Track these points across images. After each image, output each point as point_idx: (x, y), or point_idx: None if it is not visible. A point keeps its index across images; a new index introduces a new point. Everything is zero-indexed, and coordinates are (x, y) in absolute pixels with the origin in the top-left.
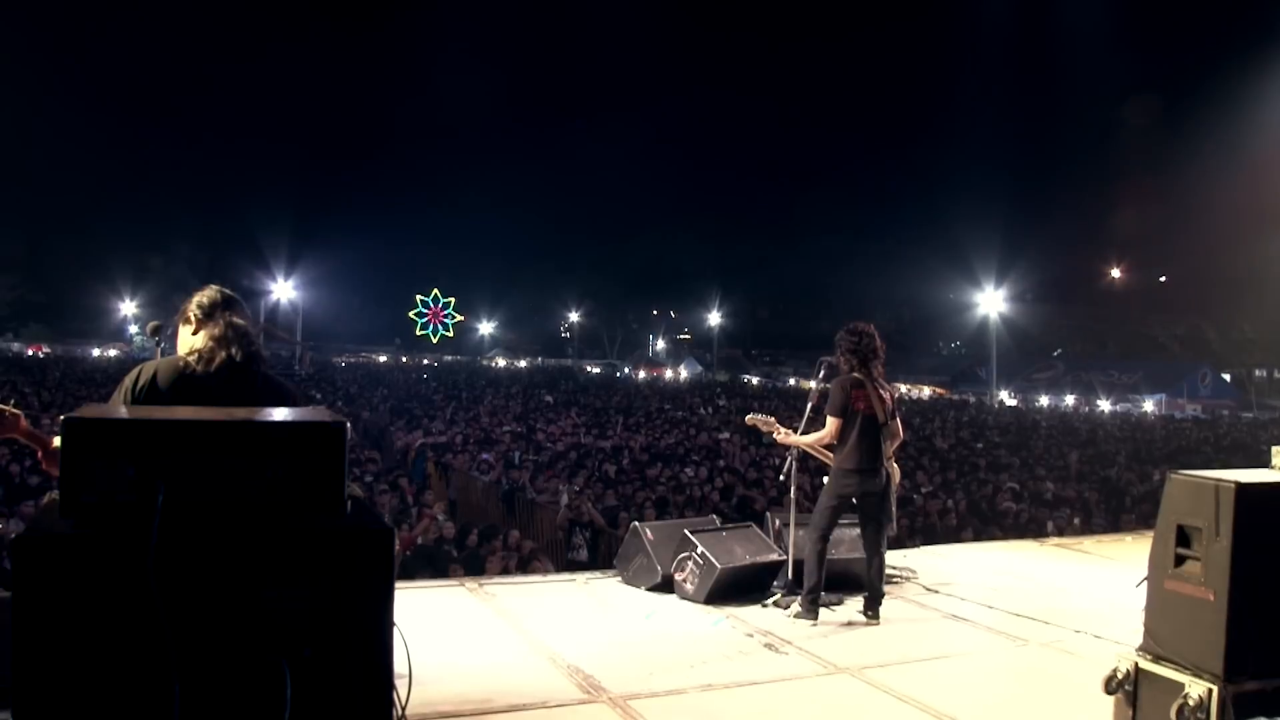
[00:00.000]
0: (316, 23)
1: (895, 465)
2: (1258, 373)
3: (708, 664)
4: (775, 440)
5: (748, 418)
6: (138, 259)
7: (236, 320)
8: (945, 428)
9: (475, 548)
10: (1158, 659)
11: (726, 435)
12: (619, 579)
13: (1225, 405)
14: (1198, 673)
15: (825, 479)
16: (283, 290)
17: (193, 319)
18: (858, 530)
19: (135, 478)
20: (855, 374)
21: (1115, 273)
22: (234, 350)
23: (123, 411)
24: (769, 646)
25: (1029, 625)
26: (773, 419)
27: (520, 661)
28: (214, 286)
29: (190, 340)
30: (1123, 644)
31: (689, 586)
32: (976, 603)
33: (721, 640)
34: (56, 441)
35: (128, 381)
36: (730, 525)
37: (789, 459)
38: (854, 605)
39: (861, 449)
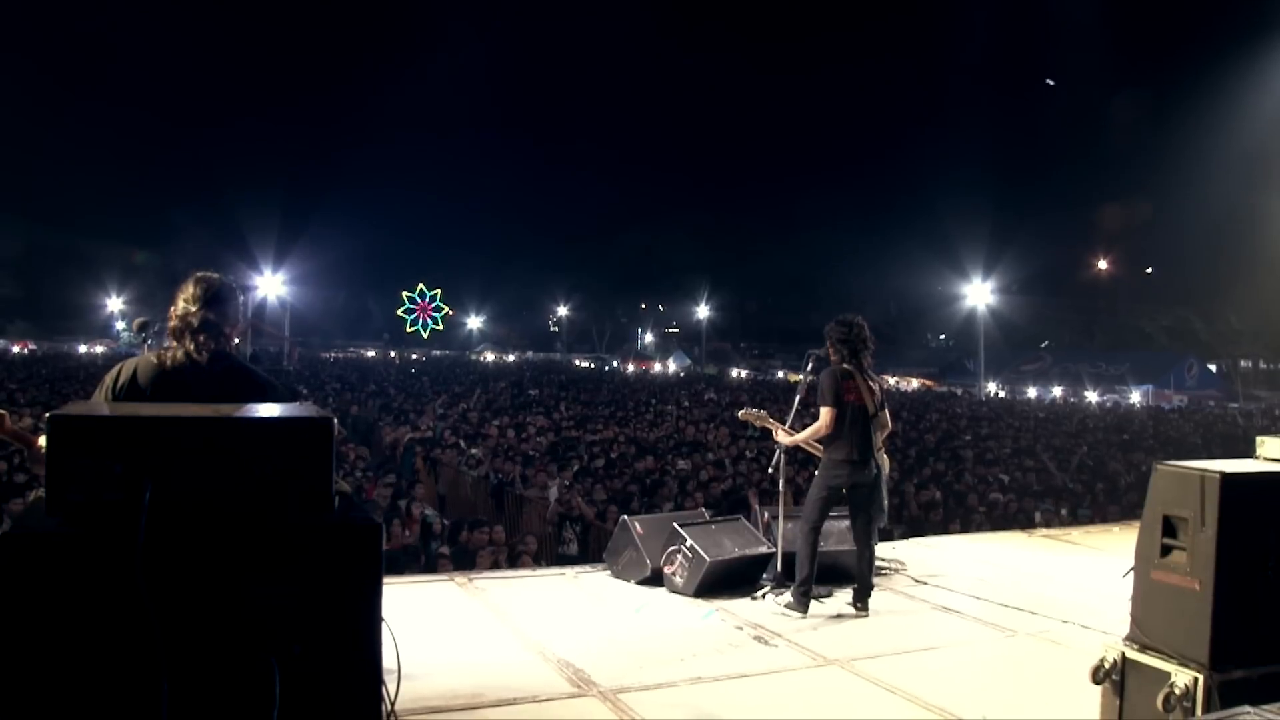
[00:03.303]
0: (306, 19)
1: (885, 456)
2: (1243, 363)
3: (698, 657)
4: (773, 435)
5: (740, 413)
6: (124, 255)
7: (194, 313)
8: (933, 419)
9: (464, 542)
10: (1144, 648)
11: (714, 428)
12: (609, 573)
13: (1211, 396)
14: (1184, 662)
15: (816, 471)
16: (270, 286)
17: (174, 314)
18: (847, 522)
19: (122, 475)
20: (845, 365)
21: (1102, 264)
22: (190, 345)
23: (107, 409)
24: (759, 639)
25: (1017, 616)
26: (764, 413)
27: (510, 656)
28: (195, 276)
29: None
30: (1110, 634)
31: (679, 580)
32: (965, 594)
33: (711, 633)
34: (42, 441)
35: (108, 379)
36: (719, 518)
37: (778, 452)
38: (843, 597)
39: (852, 440)
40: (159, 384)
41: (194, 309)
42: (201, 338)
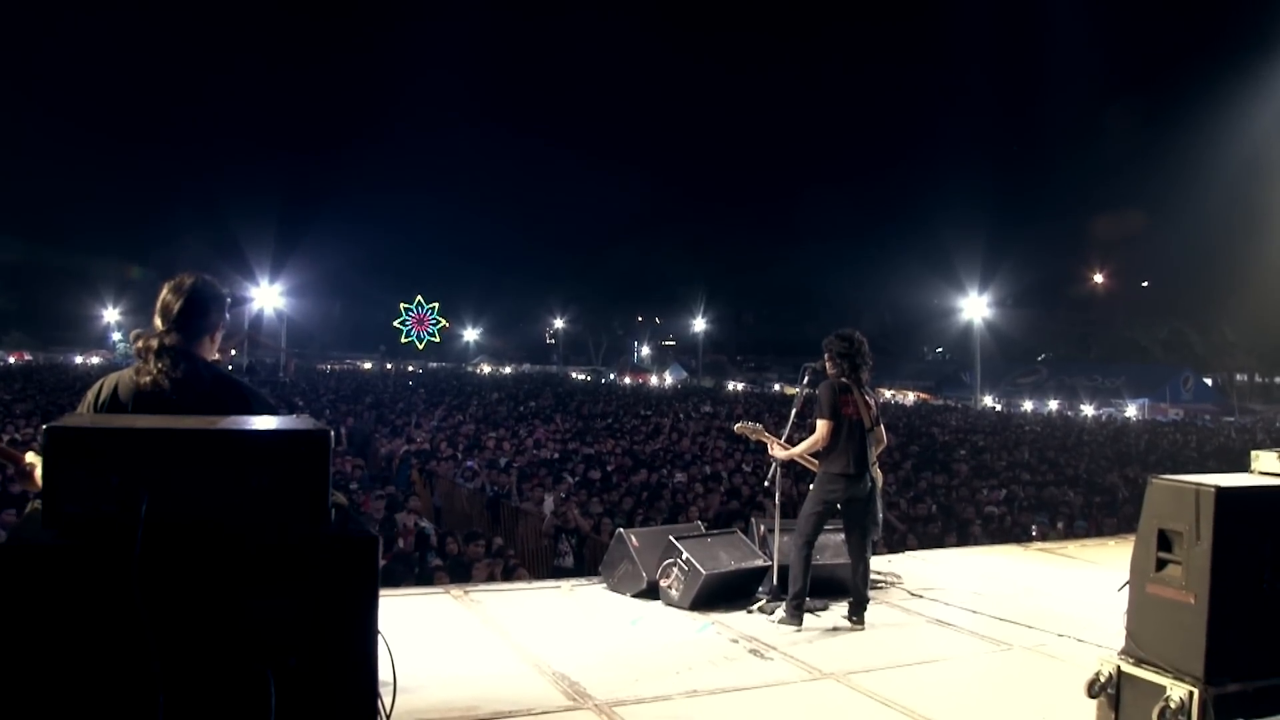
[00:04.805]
0: (301, 32)
1: (879, 471)
2: (1239, 376)
3: (693, 670)
4: (768, 450)
5: (736, 426)
6: (120, 266)
7: (152, 338)
8: (930, 433)
9: (455, 555)
10: (1140, 662)
11: (711, 440)
12: (604, 586)
13: (1207, 409)
14: (1179, 675)
15: (811, 485)
16: (267, 297)
17: (158, 323)
18: (842, 536)
19: (119, 487)
20: (843, 379)
21: (1098, 277)
22: (154, 370)
23: (104, 421)
24: (754, 652)
25: (1012, 629)
26: (759, 426)
27: (506, 669)
28: (169, 285)
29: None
30: (1105, 647)
31: (674, 593)
32: (961, 607)
33: (707, 646)
34: (29, 458)
35: (90, 395)
36: (715, 531)
37: (773, 465)
38: (839, 611)
39: (849, 454)
40: (139, 401)
41: (160, 328)
42: (163, 364)
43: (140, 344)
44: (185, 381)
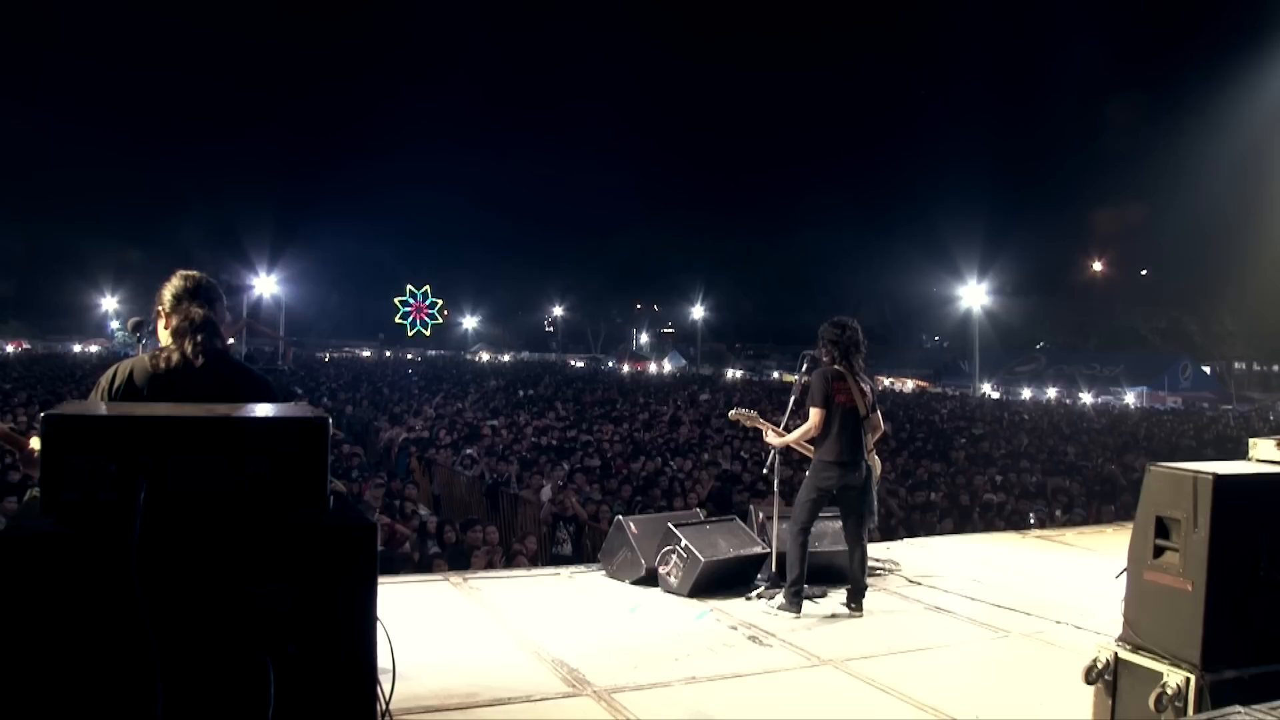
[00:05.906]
0: (299, 19)
1: (876, 458)
2: (1237, 365)
3: (692, 657)
4: (763, 436)
5: (731, 413)
6: (118, 254)
7: (195, 311)
8: (928, 420)
9: (455, 543)
10: (1137, 649)
11: (709, 428)
12: (603, 573)
13: (1205, 398)
14: (1176, 662)
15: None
16: (265, 285)
17: (163, 313)
18: (840, 523)
19: (117, 475)
20: (836, 366)
21: (1097, 266)
22: (188, 346)
23: (103, 408)
24: (753, 639)
25: (1010, 616)
26: (755, 413)
27: (505, 656)
28: (182, 274)
29: (163, 334)
30: (1103, 634)
31: (673, 580)
32: (958, 594)
33: (706, 633)
34: (33, 443)
35: (104, 381)
36: (714, 518)
37: (772, 452)
38: (837, 598)
39: (842, 441)
40: (155, 385)
41: (196, 309)
42: (200, 337)
43: (178, 321)
44: (210, 363)
